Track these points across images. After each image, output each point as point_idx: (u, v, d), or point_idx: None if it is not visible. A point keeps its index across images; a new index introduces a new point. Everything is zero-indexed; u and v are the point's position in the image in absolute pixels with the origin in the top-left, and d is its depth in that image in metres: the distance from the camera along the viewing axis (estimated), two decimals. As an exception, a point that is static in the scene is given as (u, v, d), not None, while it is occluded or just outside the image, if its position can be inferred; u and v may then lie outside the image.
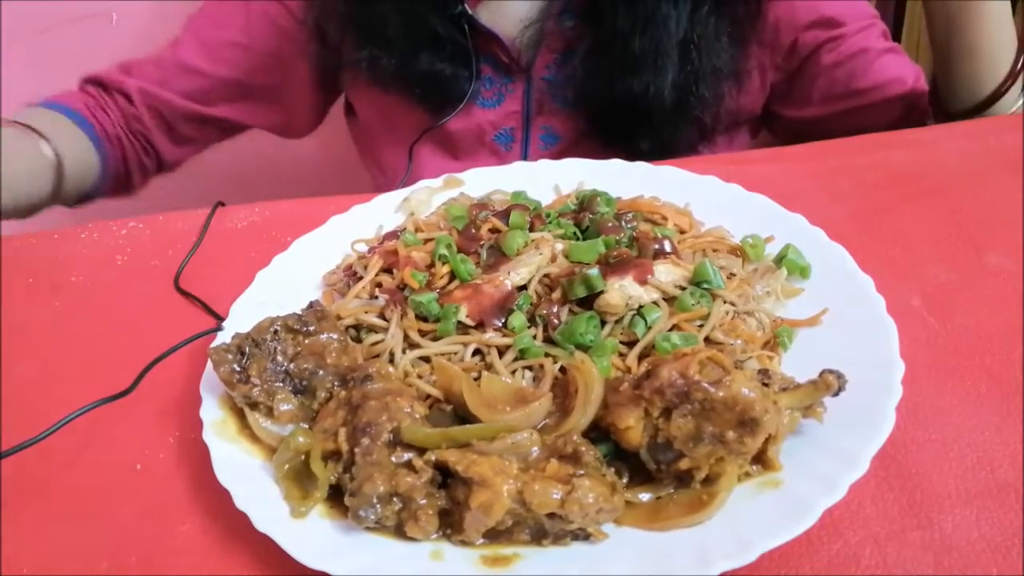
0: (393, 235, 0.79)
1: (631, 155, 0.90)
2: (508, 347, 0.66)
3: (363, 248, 0.80)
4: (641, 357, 0.65)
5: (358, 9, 1.04)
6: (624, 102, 0.99)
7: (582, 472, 0.55)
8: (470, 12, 1.03)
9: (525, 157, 1.10)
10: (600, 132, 1.05)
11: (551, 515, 0.53)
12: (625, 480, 0.58)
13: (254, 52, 1.14)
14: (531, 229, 0.76)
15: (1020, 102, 1.01)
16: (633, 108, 1.00)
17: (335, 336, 0.66)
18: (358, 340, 0.69)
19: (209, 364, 0.65)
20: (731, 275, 0.71)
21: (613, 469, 0.57)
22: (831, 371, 0.56)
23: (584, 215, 0.78)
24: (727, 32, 1.00)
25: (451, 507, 0.56)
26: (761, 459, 0.56)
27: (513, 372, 0.65)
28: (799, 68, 1.08)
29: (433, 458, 0.56)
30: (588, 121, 1.06)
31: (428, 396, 0.64)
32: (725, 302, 0.68)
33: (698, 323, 0.66)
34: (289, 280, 0.78)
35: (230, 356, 0.64)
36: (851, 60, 1.05)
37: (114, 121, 1.12)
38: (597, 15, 0.99)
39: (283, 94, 1.18)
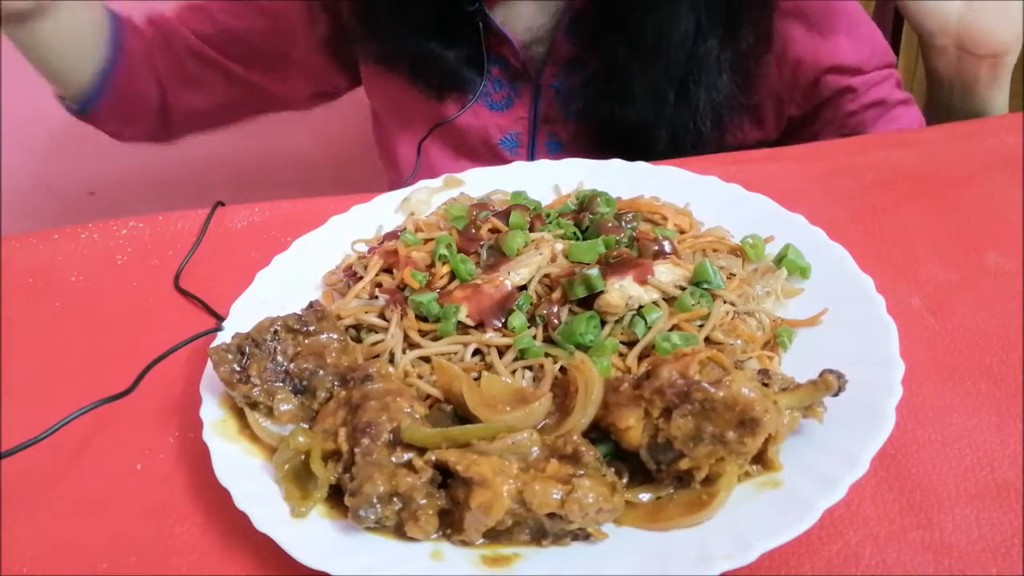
0: (393, 235, 0.79)
1: None
2: (508, 347, 0.66)
3: (363, 248, 0.80)
4: (641, 357, 0.65)
5: None
6: (623, 128, 1.00)
7: (582, 472, 0.54)
8: (486, 11, 1.03)
9: None
10: (604, 147, 1.05)
11: (551, 515, 0.53)
12: (625, 480, 0.58)
13: (267, 14, 1.14)
14: (531, 229, 0.76)
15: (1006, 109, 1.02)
16: (634, 133, 1.01)
17: (335, 336, 0.66)
18: (358, 340, 0.69)
19: (209, 364, 0.65)
20: (731, 275, 0.71)
21: (613, 469, 0.57)
22: (831, 371, 0.56)
23: (584, 215, 0.78)
24: (730, 67, 1.00)
25: (451, 507, 0.56)
26: (761, 459, 0.56)
27: (513, 372, 0.65)
28: (816, 109, 1.08)
29: (433, 458, 0.56)
30: (592, 135, 1.06)
31: (428, 396, 0.64)
32: (725, 302, 0.68)
33: (698, 323, 0.66)
34: (289, 280, 0.78)
35: (230, 356, 0.64)
36: (866, 110, 1.07)
37: (137, 38, 1.13)
38: (600, 43, 1.00)
39: (287, 62, 1.18)
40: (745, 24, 0.99)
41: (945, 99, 1.03)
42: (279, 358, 0.65)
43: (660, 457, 0.56)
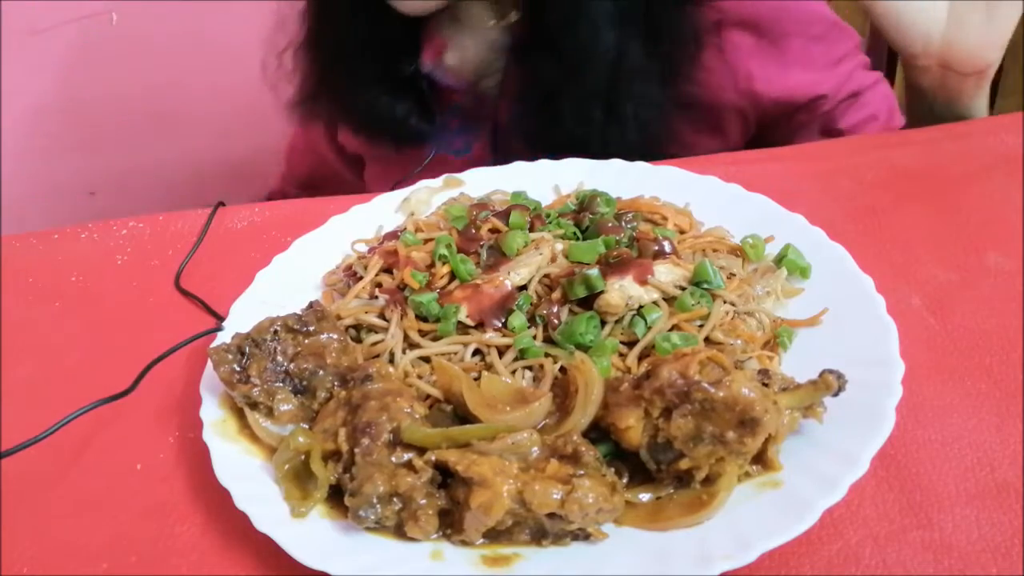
0: (393, 235, 0.79)
1: None
2: (508, 347, 0.66)
3: (363, 248, 0.80)
4: (641, 357, 0.65)
5: (316, 54, 1.08)
6: (559, 148, 0.98)
7: (582, 472, 0.54)
8: (424, 71, 1.06)
9: None
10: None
11: (551, 515, 0.53)
12: (625, 480, 0.58)
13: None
14: (531, 229, 0.76)
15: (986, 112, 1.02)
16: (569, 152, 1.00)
17: (335, 336, 0.66)
18: (358, 340, 0.69)
19: (209, 364, 0.65)
20: (731, 275, 0.71)
21: (613, 469, 0.57)
22: (831, 371, 0.56)
23: (584, 215, 0.78)
24: (659, 79, 0.99)
25: (451, 507, 0.56)
26: (761, 459, 0.56)
27: (513, 372, 0.65)
28: (788, 114, 1.08)
29: (433, 458, 0.56)
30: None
31: (428, 396, 0.64)
32: (725, 302, 0.68)
33: (698, 323, 0.66)
34: (289, 280, 0.78)
35: (230, 356, 0.64)
36: (839, 105, 1.07)
37: None
38: (534, 66, 1.01)
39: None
40: (667, 32, 0.98)
41: (927, 108, 1.02)
42: (279, 358, 0.65)
43: (660, 457, 0.56)
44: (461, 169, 0.93)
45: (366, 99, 1.07)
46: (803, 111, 1.06)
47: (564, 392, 0.61)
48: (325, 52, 1.09)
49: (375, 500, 0.55)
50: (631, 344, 0.65)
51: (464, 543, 0.55)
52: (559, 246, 0.73)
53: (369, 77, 1.06)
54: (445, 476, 0.56)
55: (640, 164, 0.87)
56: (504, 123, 1.07)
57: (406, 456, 0.56)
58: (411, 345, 0.68)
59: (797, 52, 1.04)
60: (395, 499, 0.55)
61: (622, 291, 0.66)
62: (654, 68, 0.98)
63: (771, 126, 1.09)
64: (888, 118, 1.09)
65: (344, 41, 1.07)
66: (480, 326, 0.67)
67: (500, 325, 0.67)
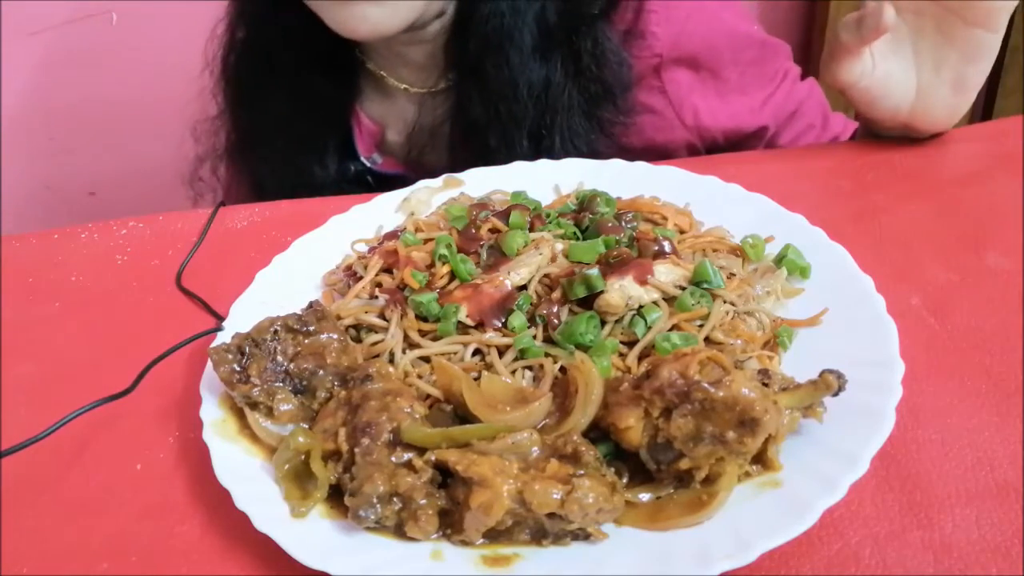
0: (393, 235, 0.79)
1: None
2: (508, 347, 0.66)
3: (363, 248, 0.80)
4: (641, 357, 0.65)
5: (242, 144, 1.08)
6: None
7: (582, 472, 0.54)
8: (368, 164, 1.05)
9: None
10: None
11: (551, 515, 0.53)
12: (625, 480, 0.58)
13: None
14: (531, 229, 0.76)
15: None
16: None
17: (335, 336, 0.66)
18: (358, 340, 0.69)
19: (209, 364, 0.65)
20: (731, 275, 0.71)
21: (613, 469, 0.57)
22: (831, 371, 0.56)
23: (584, 215, 0.78)
24: (585, 109, 0.98)
25: (451, 507, 0.56)
26: (761, 459, 0.56)
27: (513, 372, 0.65)
28: (730, 148, 1.09)
29: (433, 458, 0.56)
30: None
31: (428, 396, 0.64)
32: (725, 302, 0.68)
33: (698, 323, 0.66)
34: (289, 280, 0.78)
35: (230, 356, 0.64)
36: (785, 126, 1.09)
37: None
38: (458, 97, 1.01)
39: None
40: (591, 63, 0.97)
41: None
42: (279, 358, 0.65)
43: (660, 457, 0.56)
44: None
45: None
46: (751, 138, 1.08)
47: (564, 392, 0.61)
48: (250, 160, 1.08)
49: (375, 500, 0.55)
50: (631, 344, 0.65)
51: (464, 543, 0.55)
52: (559, 246, 0.73)
53: (304, 184, 1.04)
54: (445, 476, 0.56)
55: (640, 164, 0.87)
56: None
57: (406, 456, 0.56)
58: (411, 345, 0.68)
59: (736, 80, 1.05)
60: (395, 499, 0.55)
61: (622, 291, 0.66)
62: (581, 100, 0.98)
63: (720, 152, 1.10)
64: (823, 124, 1.11)
65: (269, 143, 1.05)
66: (480, 326, 0.67)
67: (500, 325, 0.67)
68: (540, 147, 0.97)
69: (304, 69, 1.03)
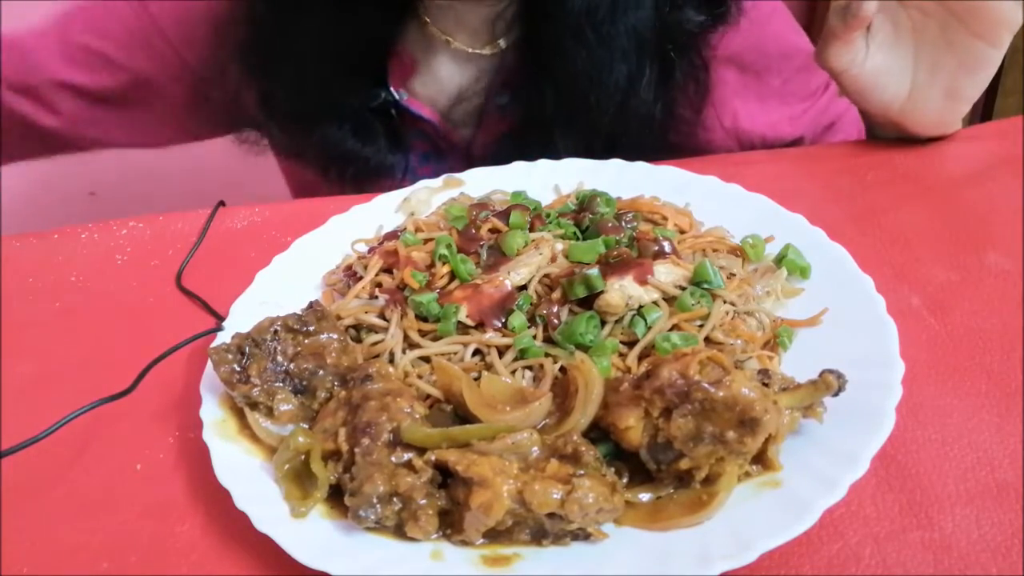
0: (393, 235, 0.79)
1: None
2: (508, 347, 0.66)
3: (363, 248, 0.80)
4: (641, 357, 0.65)
5: (264, 76, 0.95)
6: None
7: (582, 472, 0.54)
8: (396, 97, 0.97)
9: None
10: None
11: (551, 515, 0.53)
12: (625, 480, 0.58)
13: (124, 70, 1.05)
14: (531, 229, 0.76)
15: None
16: None
17: (335, 336, 0.66)
18: (358, 340, 0.69)
19: (209, 364, 0.65)
20: (731, 275, 0.71)
21: (613, 469, 0.57)
22: (831, 371, 0.56)
23: (584, 215, 0.78)
24: (660, 123, 0.96)
25: (451, 507, 0.56)
26: (761, 459, 0.56)
27: (513, 372, 0.65)
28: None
29: (433, 458, 0.56)
30: None
31: (428, 396, 0.64)
32: (725, 302, 0.68)
33: (698, 323, 0.66)
34: (289, 280, 0.78)
35: (230, 356, 0.64)
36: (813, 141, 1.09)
37: None
38: (529, 97, 0.95)
39: (142, 114, 1.09)
40: (678, 71, 0.94)
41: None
42: (279, 358, 0.65)
43: (660, 457, 0.56)
44: None
45: (324, 136, 0.95)
46: (787, 148, 1.07)
47: (564, 392, 0.61)
48: (268, 65, 0.94)
49: (375, 500, 0.55)
50: (631, 344, 0.65)
51: (464, 543, 0.55)
52: (559, 246, 0.73)
53: (325, 102, 0.95)
54: (445, 476, 0.56)
55: (640, 164, 0.87)
56: (478, 155, 1.01)
57: (406, 456, 0.56)
58: (411, 345, 0.68)
59: (778, 88, 1.04)
60: (395, 499, 0.55)
61: (622, 291, 0.66)
62: (656, 110, 0.95)
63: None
64: (859, 134, 1.10)
65: (294, 52, 0.93)
66: (480, 326, 0.67)
67: (500, 325, 0.67)
68: (612, 155, 0.91)
69: None
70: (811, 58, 0.99)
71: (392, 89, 1.00)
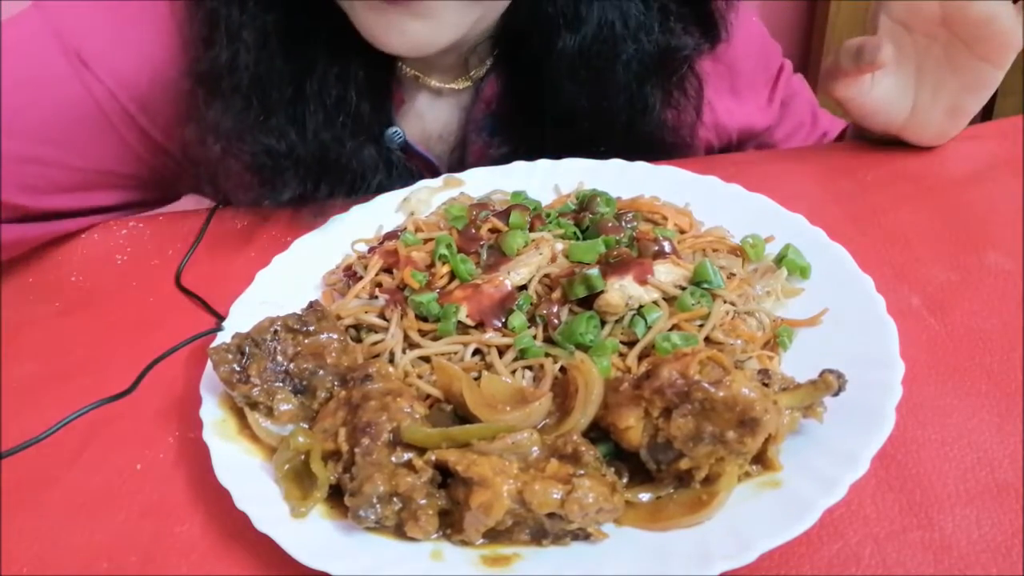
0: (393, 235, 0.79)
1: None
2: (508, 347, 0.66)
3: (363, 248, 0.80)
4: (641, 357, 0.65)
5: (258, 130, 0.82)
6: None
7: (582, 472, 0.55)
8: (406, 139, 0.93)
9: None
10: None
11: (551, 515, 0.53)
12: (625, 480, 0.58)
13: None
14: (531, 229, 0.76)
15: None
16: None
17: (335, 336, 0.66)
18: (358, 340, 0.69)
19: (209, 364, 0.65)
20: (731, 275, 0.71)
21: (613, 469, 0.57)
22: (831, 371, 0.56)
23: (584, 215, 0.78)
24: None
25: (451, 507, 0.56)
26: (761, 459, 0.56)
27: (513, 372, 0.65)
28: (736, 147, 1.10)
29: (433, 458, 0.56)
30: None
31: (428, 396, 0.64)
32: (725, 302, 0.68)
33: (698, 323, 0.66)
34: (289, 280, 0.78)
35: (230, 356, 0.64)
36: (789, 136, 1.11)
37: None
38: (523, 130, 0.94)
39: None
40: (678, 94, 0.93)
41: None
42: (279, 358, 0.65)
43: (660, 457, 0.56)
44: None
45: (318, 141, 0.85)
46: (758, 136, 1.09)
47: (564, 392, 0.61)
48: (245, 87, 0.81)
49: (375, 500, 0.55)
50: (631, 344, 0.65)
51: (464, 543, 0.55)
52: (559, 246, 0.73)
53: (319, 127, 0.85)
54: (445, 476, 0.56)
55: (640, 164, 0.87)
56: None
57: (406, 456, 0.56)
58: (411, 345, 0.68)
59: (748, 77, 1.05)
60: (395, 499, 0.55)
61: (622, 291, 0.66)
62: (660, 131, 0.94)
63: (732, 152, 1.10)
64: (813, 121, 1.12)
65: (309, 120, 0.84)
66: (480, 326, 0.67)
67: (500, 325, 0.67)
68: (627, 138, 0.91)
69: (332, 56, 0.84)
70: (767, 42, 1.03)
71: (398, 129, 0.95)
